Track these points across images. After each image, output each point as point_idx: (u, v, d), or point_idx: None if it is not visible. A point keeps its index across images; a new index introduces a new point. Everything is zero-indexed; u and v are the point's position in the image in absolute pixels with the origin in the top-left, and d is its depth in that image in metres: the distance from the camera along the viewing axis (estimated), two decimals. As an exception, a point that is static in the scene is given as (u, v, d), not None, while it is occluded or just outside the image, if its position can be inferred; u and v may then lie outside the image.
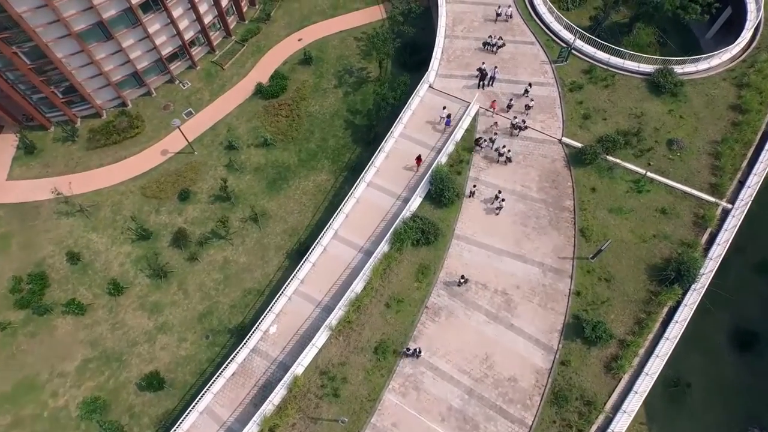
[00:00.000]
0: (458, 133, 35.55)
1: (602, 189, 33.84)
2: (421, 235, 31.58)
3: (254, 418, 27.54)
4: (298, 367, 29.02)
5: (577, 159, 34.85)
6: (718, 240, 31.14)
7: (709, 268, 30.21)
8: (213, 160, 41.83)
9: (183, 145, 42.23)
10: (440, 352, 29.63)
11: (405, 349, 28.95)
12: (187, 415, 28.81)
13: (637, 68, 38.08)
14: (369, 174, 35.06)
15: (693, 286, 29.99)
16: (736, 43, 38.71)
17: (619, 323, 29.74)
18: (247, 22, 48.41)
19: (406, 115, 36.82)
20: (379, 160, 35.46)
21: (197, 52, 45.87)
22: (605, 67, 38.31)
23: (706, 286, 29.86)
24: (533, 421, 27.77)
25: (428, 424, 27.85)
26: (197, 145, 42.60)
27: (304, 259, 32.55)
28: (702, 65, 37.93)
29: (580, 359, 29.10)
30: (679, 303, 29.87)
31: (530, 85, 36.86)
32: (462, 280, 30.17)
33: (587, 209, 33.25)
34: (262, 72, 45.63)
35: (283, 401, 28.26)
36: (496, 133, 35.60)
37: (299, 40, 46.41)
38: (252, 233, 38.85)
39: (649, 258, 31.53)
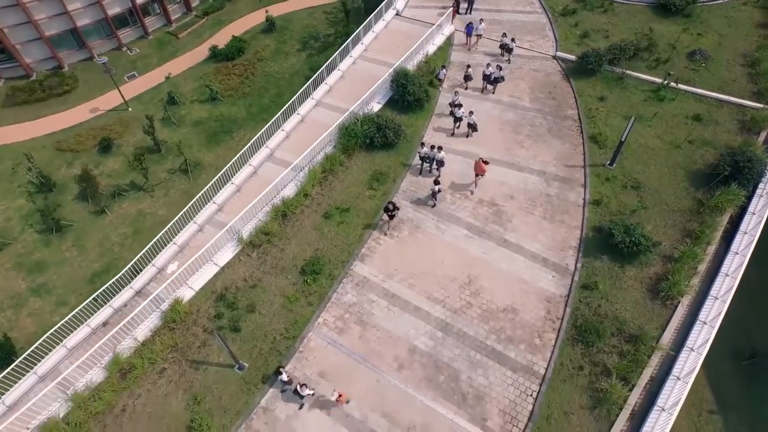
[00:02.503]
0: (429, 48, 29.22)
1: (612, 98, 26.41)
2: (377, 133, 23.50)
3: (103, 362, 17.30)
4: (186, 290, 19.31)
5: (577, 71, 27.93)
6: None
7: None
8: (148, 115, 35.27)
9: (117, 103, 36.13)
10: (400, 275, 19.92)
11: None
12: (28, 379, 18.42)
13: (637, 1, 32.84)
14: (319, 92, 28.09)
15: (761, 188, 21.15)
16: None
17: (661, 236, 20.36)
18: (210, 0, 45.31)
19: (368, 38, 30.88)
20: (333, 78, 28.73)
21: (151, 21, 41.85)
22: (600, -2, 33.13)
23: (778, 189, 20.98)
24: (547, 368, 17.24)
25: (376, 375, 17.33)
26: (134, 103, 36.27)
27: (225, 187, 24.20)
28: (713, -7, 32.63)
29: (611, 281, 19.28)
30: (743, 210, 20.80)
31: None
32: (436, 189, 21.36)
33: (596, 116, 25.50)
34: (219, 40, 40.97)
35: (154, 335, 18.13)
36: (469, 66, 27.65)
37: (265, 11, 42.57)
38: (179, 184, 30.61)
39: (689, 164, 23.01)
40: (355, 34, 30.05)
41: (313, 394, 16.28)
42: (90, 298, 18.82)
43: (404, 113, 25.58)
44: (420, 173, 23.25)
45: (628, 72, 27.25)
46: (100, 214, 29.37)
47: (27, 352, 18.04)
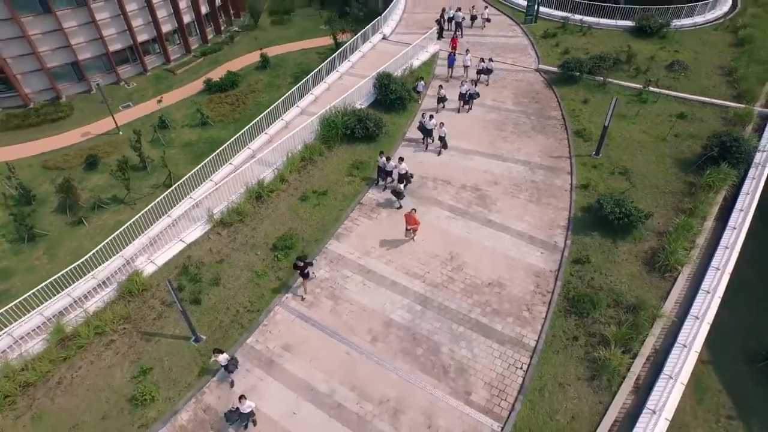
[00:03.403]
0: (414, 63, 29.88)
1: (595, 101, 26.49)
2: (358, 124, 23.15)
3: (44, 335, 15.56)
4: (149, 266, 17.91)
5: (559, 80, 28.32)
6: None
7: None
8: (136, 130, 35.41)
9: (109, 128, 36.51)
10: (377, 252, 18.59)
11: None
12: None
13: (614, 24, 34.29)
14: (304, 101, 28.30)
15: (752, 172, 20.47)
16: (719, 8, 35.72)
17: (654, 212, 19.30)
18: (209, 44, 47.46)
19: (355, 56, 31.71)
20: (319, 89, 29.07)
21: (150, 60, 43.49)
22: (578, 24, 34.51)
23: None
24: (538, 340, 15.46)
25: (346, 348, 15.51)
26: (126, 128, 36.48)
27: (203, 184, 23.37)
28: (686, 21, 34.13)
29: (604, 255, 17.96)
30: (737, 190, 19.96)
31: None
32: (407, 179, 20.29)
33: (580, 116, 25.41)
34: (214, 75, 42.25)
35: (107, 307, 16.47)
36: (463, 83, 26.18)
37: (260, 50, 44.35)
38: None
39: (676, 153, 22.51)
40: (341, 50, 30.87)
41: (252, 414, 13.33)
42: (42, 284, 17.00)
43: (387, 113, 25.47)
44: (376, 184, 21.34)
45: (609, 80, 27.62)
46: (78, 224, 28.51)
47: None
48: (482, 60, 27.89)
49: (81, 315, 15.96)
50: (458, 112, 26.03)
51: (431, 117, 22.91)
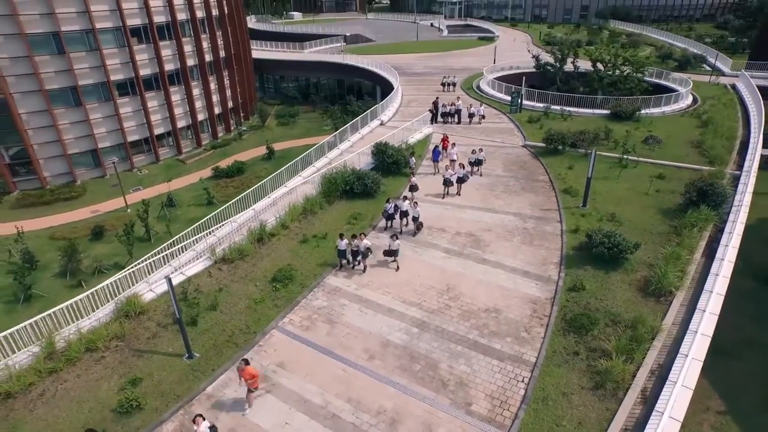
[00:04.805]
0: (410, 140, 32.52)
1: (579, 167, 28.40)
2: (356, 181, 24.65)
3: (32, 350, 15.19)
4: (148, 294, 17.96)
5: (544, 153, 30.69)
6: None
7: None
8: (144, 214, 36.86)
9: (118, 207, 38.18)
10: (374, 285, 18.81)
11: None
12: None
13: (591, 112, 37.97)
14: (307, 171, 30.17)
15: (734, 212, 21.62)
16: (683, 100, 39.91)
17: (642, 249, 19.93)
18: (219, 140, 51.27)
19: (354, 137, 34.51)
20: (320, 162, 31.11)
21: (164, 151, 46.83)
22: (559, 113, 38.16)
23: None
24: (538, 356, 15.17)
25: (343, 366, 15.10)
26: (135, 207, 38.34)
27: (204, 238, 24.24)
28: (655, 110, 37.92)
29: (598, 283, 18.24)
30: (720, 231, 20.88)
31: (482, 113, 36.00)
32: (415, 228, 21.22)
33: (566, 178, 27.16)
34: (222, 165, 45.33)
35: (102, 327, 16.18)
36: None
37: (267, 142, 47.85)
38: (160, 266, 30.51)
39: (659, 204, 23.82)
40: (341, 129, 33.68)
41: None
42: (33, 320, 16.44)
43: (384, 176, 27.15)
44: (340, 268, 19.73)
45: (590, 151, 29.92)
46: (77, 287, 28.59)
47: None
48: (473, 152, 27.56)
49: (74, 332, 15.72)
50: (443, 197, 25.18)
51: (404, 198, 22.32)
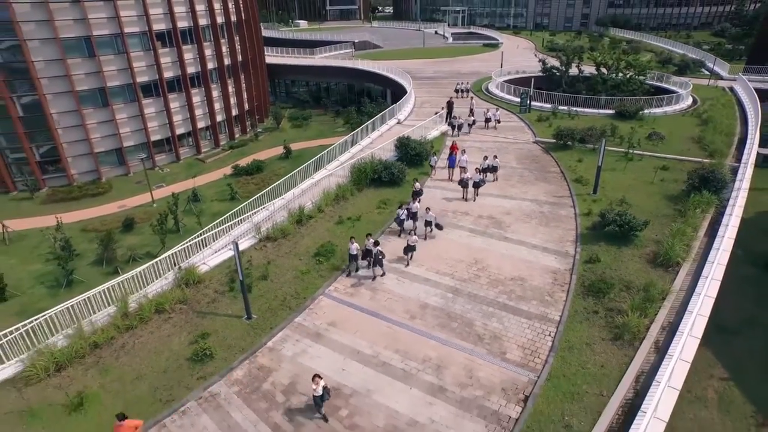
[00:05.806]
0: (428, 136, 34.46)
1: (588, 160, 30.36)
2: (384, 170, 26.56)
3: (108, 311, 16.90)
4: (202, 267, 19.72)
5: (555, 148, 32.67)
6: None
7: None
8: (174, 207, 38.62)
9: (144, 202, 39.95)
10: (407, 260, 20.62)
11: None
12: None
13: (597, 112, 40.03)
14: (332, 164, 32.05)
15: (732, 201, 23.50)
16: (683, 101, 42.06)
17: (650, 228, 21.80)
18: (236, 140, 53.20)
19: (374, 134, 36.46)
20: (344, 156, 33.04)
21: (184, 151, 48.70)
22: (567, 112, 40.22)
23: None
24: (562, 315, 16.96)
25: (388, 324, 16.87)
26: (160, 202, 40.16)
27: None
28: (658, 110, 40.01)
29: (612, 256, 20.09)
30: (721, 214, 22.76)
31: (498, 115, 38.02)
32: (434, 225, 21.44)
33: (576, 170, 29.09)
34: (241, 163, 47.21)
35: (165, 292, 17.93)
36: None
37: (284, 143, 49.79)
38: (191, 254, 32.27)
39: (663, 191, 25.74)
40: (361, 128, 35.58)
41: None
42: (108, 284, 18.14)
43: (408, 167, 29.05)
44: (348, 274, 19.59)
45: (598, 146, 31.91)
46: (113, 274, 30.21)
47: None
48: (486, 158, 27.27)
49: (143, 296, 17.45)
50: (464, 200, 25.45)
51: (417, 200, 22.47)
